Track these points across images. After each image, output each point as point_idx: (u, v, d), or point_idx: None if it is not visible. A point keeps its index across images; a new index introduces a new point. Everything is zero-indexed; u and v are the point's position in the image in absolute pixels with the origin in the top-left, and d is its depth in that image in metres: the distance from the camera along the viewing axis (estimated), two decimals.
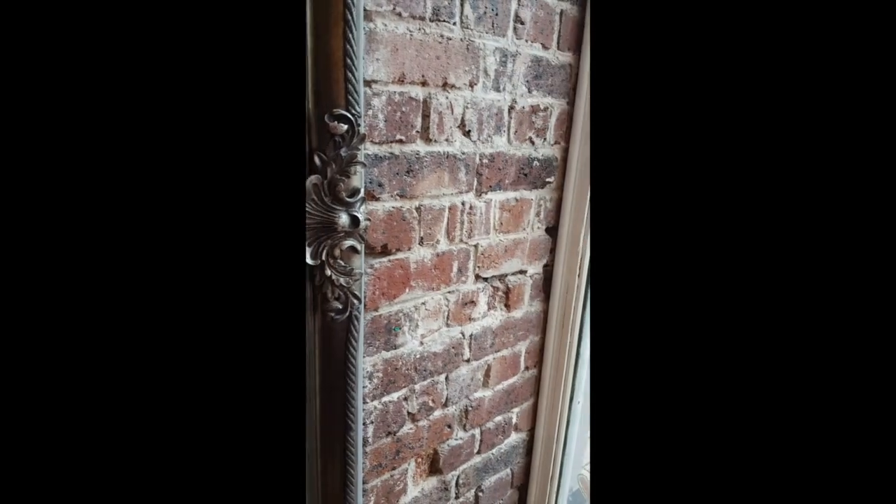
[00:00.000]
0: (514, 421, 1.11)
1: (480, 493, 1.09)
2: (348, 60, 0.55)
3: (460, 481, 1.02)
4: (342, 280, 0.62)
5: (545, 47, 0.85)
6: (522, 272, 0.99)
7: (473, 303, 0.91)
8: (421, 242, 0.78)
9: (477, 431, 1.02)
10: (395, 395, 0.83)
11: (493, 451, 1.09)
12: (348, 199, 0.59)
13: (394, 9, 0.63)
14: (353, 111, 0.56)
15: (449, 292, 0.85)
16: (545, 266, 1.03)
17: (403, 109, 0.68)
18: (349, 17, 0.53)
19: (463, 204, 0.82)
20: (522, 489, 1.22)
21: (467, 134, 0.78)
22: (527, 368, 1.09)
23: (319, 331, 0.63)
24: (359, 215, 0.60)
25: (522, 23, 0.80)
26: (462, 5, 0.70)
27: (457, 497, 1.03)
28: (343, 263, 0.62)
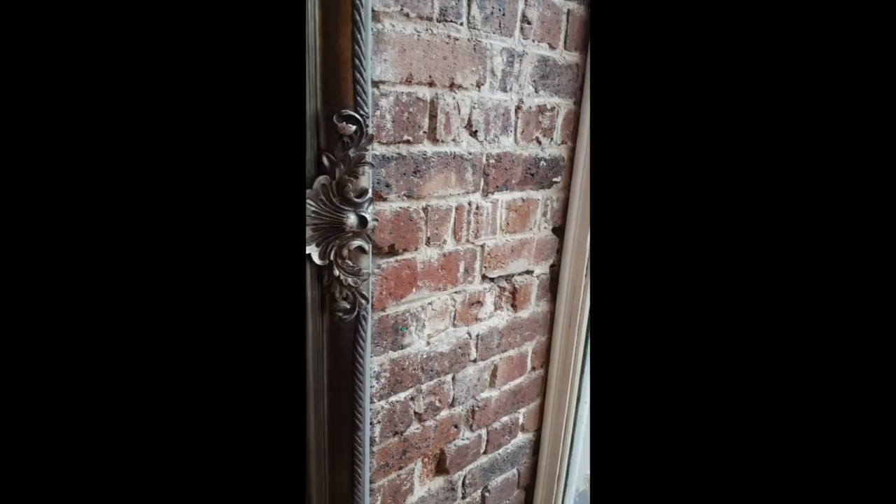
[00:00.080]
0: (520, 421, 1.11)
1: (487, 494, 1.09)
2: (356, 61, 0.55)
3: (467, 481, 1.02)
4: (350, 280, 0.62)
5: (552, 47, 0.85)
6: (529, 272, 0.99)
7: (480, 303, 0.91)
8: (428, 243, 0.78)
9: (483, 432, 1.02)
10: (401, 395, 0.83)
11: (500, 451, 1.08)
12: (356, 200, 0.59)
13: (401, 9, 0.63)
14: (362, 112, 0.56)
15: (455, 292, 0.85)
16: (552, 266, 1.03)
17: (411, 110, 0.68)
18: (357, 18, 0.53)
19: (469, 204, 0.82)
20: (529, 489, 1.22)
21: (474, 134, 0.78)
22: (533, 369, 1.09)
23: (327, 331, 0.64)
24: (367, 216, 0.61)
25: (529, 23, 0.80)
26: (469, 6, 0.70)
27: (463, 497, 1.03)
28: (351, 263, 0.62)
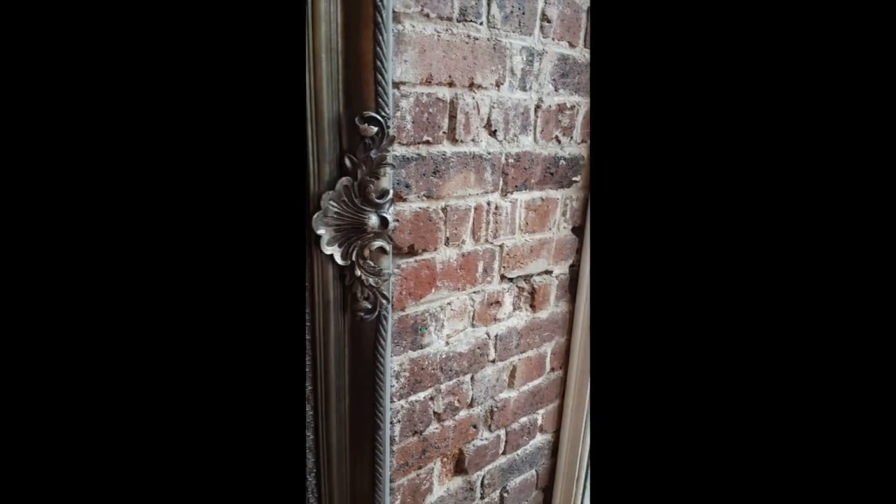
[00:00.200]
0: (539, 422, 1.10)
1: (505, 494, 1.09)
2: (378, 63, 0.55)
3: (485, 482, 1.02)
4: (371, 280, 0.63)
5: (572, 45, 0.84)
6: (548, 272, 0.98)
7: (499, 303, 0.90)
8: (447, 243, 0.78)
9: (502, 432, 1.02)
10: (421, 395, 0.83)
11: (519, 451, 1.08)
12: (377, 201, 0.60)
13: (422, 10, 0.63)
14: (383, 113, 0.57)
15: (474, 292, 0.85)
16: (571, 266, 1.02)
17: (431, 110, 0.68)
18: (379, 20, 0.54)
19: (488, 204, 0.81)
20: (547, 491, 1.21)
21: (493, 134, 0.78)
22: (552, 370, 1.08)
23: (349, 330, 0.64)
24: (388, 216, 0.61)
25: (549, 21, 0.79)
26: (489, 5, 0.70)
27: (482, 497, 1.03)
28: (372, 264, 0.62)
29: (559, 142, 0.89)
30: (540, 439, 1.13)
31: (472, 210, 0.79)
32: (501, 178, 0.82)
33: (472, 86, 0.72)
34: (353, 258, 0.61)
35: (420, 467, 0.88)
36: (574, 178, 0.94)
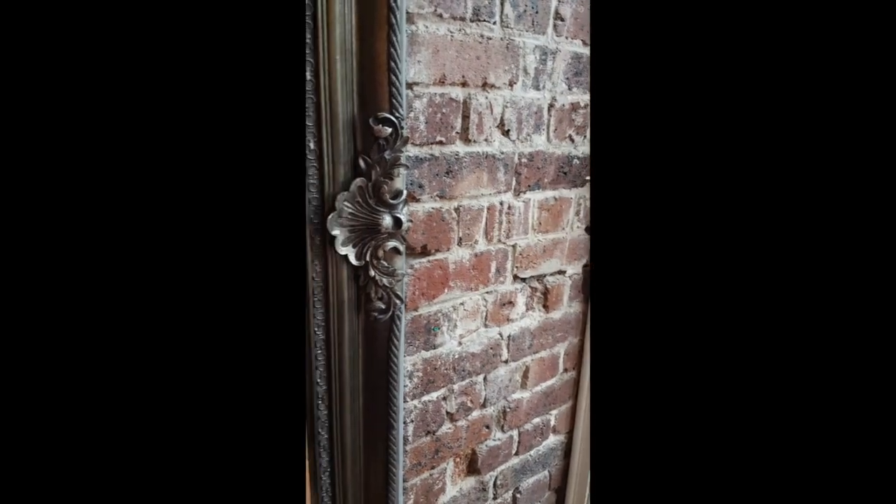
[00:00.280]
0: (552, 423, 1.10)
1: (518, 495, 1.09)
2: (392, 63, 0.55)
3: (498, 482, 1.02)
4: (385, 280, 0.63)
5: (585, 43, 0.83)
6: (561, 272, 0.97)
7: (511, 303, 0.90)
8: (460, 243, 0.78)
9: (515, 433, 1.01)
10: (434, 395, 0.83)
11: (531, 452, 1.08)
12: (391, 201, 0.60)
13: (435, 10, 0.63)
14: (397, 114, 0.57)
15: (487, 293, 0.85)
16: (585, 266, 1.01)
17: (444, 111, 0.68)
18: (393, 21, 0.54)
19: (501, 204, 0.81)
20: (560, 492, 1.21)
21: (506, 133, 0.77)
22: (565, 370, 1.07)
23: (363, 331, 0.65)
24: (401, 217, 0.61)
25: (562, 19, 0.78)
26: (502, 4, 0.70)
27: (494, 498, 1.03)
28: (386, 264, 0.63)
29: (572, 141, 0.88)
30: (553, 440, 1.12)
31: (485, 210, 0.79)
32: (514, 178, 0.81)
33: (485, 85, 0.72)
34: (368, 258, 0.61)
35: (433, 467, 0.88)
36: (587, 178, 0.94)
